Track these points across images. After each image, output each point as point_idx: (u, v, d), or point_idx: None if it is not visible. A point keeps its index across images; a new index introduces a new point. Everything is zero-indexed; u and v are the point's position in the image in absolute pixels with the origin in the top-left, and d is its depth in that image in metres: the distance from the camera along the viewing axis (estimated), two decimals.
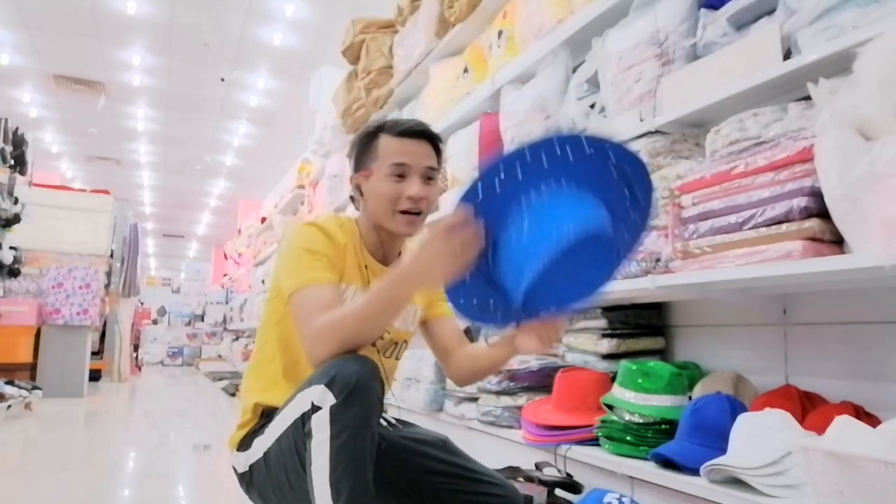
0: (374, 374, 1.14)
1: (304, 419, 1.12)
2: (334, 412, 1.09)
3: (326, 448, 1.09)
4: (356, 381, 1.10)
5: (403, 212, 1.33)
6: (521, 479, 1.71)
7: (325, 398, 1.10)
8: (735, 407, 1.44)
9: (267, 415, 1.31)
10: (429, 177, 1.35)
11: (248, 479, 1.33)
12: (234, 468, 1.36)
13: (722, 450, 1.34)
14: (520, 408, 2.05)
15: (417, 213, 1.34)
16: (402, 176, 1.32)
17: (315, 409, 1.11)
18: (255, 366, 1.40)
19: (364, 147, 1.37)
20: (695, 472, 1.35)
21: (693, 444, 1.44)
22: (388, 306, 1.16)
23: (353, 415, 1.10)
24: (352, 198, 1.48)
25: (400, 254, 1.50)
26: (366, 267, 1.39)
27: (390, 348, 1.46)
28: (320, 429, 1.09)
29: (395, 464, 1.35)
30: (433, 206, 1.38)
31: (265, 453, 1.25)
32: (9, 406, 4.41)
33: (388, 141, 1.33)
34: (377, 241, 1.42)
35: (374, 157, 1.34)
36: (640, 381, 1.64)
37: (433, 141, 1.38)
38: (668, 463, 1.45)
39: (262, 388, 1.36)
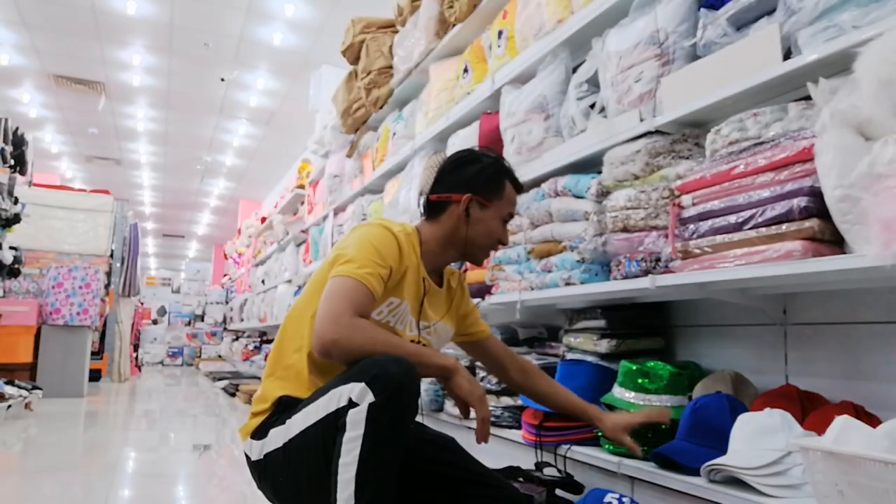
0: (415, 377, 1.16)
1: (339, 415, 1.13)
2: (372, 411, 1.10)
3: (358, 445, 1.09)
4: (398, 384, 1.12)
5: (492, 249, 1.52)
6: (521, 479, 1.71)
7: (365, 396, 1.11)
8: (735, 407, 1.44)
9: (286, 406, 1.30)
10: None
11: (261, 468, 1.32)
12: (246, 455, 1.36)
13: (722, 450, 1.34)
14: (520, 408, 2.06)
15: None
16: (505, 222, 1.51)
17: (352, 405, 1.11)
18: (280, 351, 1.38)
19: (492, 180, 1.49)
20: (694, 471, 1.35)
21: (693, 443, 1.44)
22: (417, 364, 1.23)
23: (391, 416, 1.11)
24: (435, 206, 1.50)
25: (442, 277, 1.56)
26: (424, 280, 1.44)
27: None
28: (355, 425, 1.10)
29: (402, 464, 1.35)
30: None
31: (286, 444, 1.25)
32: (9, 406, 4.41)
33: (511, 190, 1.52)
34: (441, 256, 1.50)
35: (497, 195, 1.49)
36: (640, 381, 1.64)
37: None
38: (668, 463, 1.45)
39: (285, 376, 1.35)
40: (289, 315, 1.42)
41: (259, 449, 1.31)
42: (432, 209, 1.49)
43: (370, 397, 1.10)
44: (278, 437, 1.27)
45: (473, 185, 1.47)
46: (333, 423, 1.13)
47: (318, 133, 5.21)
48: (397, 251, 1.35)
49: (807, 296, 1.63)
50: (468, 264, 2.65)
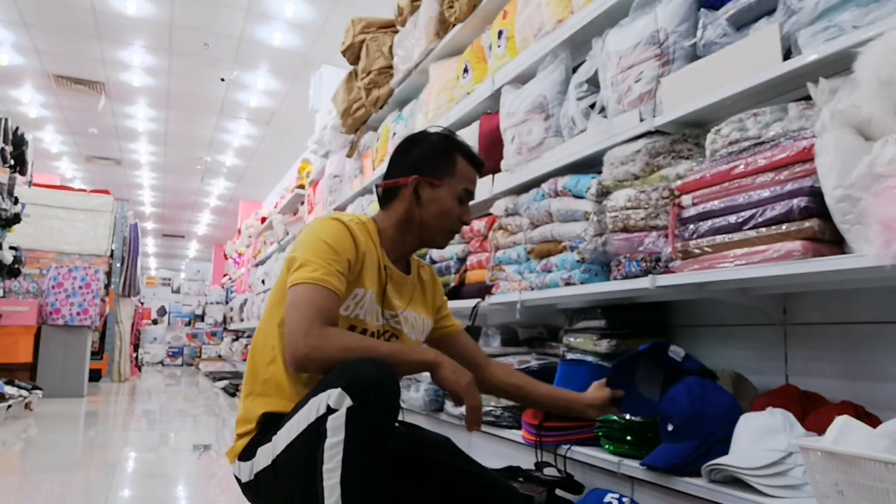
0: (392, 378, 1.14)
1: (319, 422, 1.11)
2: (351, 415, 1.09)
3: (340, 450, 1.08)
4: (375, 385, 1.11)
5: (453, 231, 1.46)
6: (521, 479, 1.71)
7: (342, 401, 1.09)
8: (692, 387, 1.44)
9: (270, 422, 1.29)
10: None
11: (253, 489, 1.30)
12: (236, 478, 1.34)
13: (698, 438, 1.37)
14: (520, 408, 2.05)
15: (457, 233, 1.49)
16: (463, 201, 1.44)
17: (331, 410, 1.10)
18: (255, 368, 1.37)
19: (439, 157, 1.43)
20: (695, 471, 1.36)
21: (672, 443, 1.44)
22: (395, 363, 1.21)
23: (371, 418, 1.10)
24: (384, 193, 1.47)
25: (409, 265, 1.52)
26: (385, 268, 1.40)
27: None
28: (336, 431, 1.09)
29: (398, 468, 1.34)
30: None
31: (274, 461, 1.23)
32: (9, 406, 4.41)
33: (465, 166, 1.44)
34: (401, 242, 1.45)
35: (449, 172, 1.42)
36: None
37: None
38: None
39: (264, 392, 1.33)
40: (256, 331, 1.40)
41: (249, 470, 1.29)
42: (384, 197, 1.47)
43: (348, 401, 1.09)
44: (266, 455, 1.24)
45: (420, 165, 1.42)
46: (315, 432, 1.12)
47: (318, 133, 5.21)
48: (351, 241, 1.32)
49: (807, 296, 1.63)
50: (468, 264, 2.65)
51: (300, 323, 1.19)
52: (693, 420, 1.39)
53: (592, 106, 2.00)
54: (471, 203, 1.50)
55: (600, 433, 1.68)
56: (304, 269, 1.25)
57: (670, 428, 1.44)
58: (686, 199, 1.50)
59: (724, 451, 1.32)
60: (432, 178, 1.41)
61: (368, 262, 1.36)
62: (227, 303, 12.73)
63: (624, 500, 1.49)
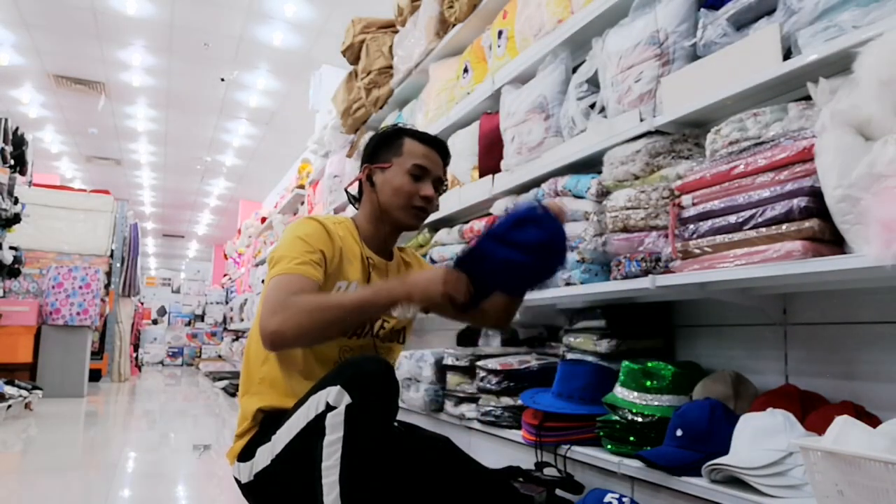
0: (391, 376, 1.15)
1: (318, 420, 1.12)
2: (350, 412, 1.09)
3: (339, 448, 1.09)
4: (374, 383, 1.12)
5: (415, 207, 1.45)
6: (521, 479, 1.71)
7: (342, 398, 1.10)
8: (717, 408, 1.45)
9: (268, 421, 1.29)
10: (438, 183, 1.49)
11: (253, 489, 1.30)
12: (236, 479, 1.34)
13: (703, 451, 1.37)
14: (520, 408, 2.05)
15: (425, 211, 1.48)
16: (419, 178, 1.45)
17: (330, 408, 1.11)
18: (249, 369, 1.39)
19: (384, 143, 1.49)
20: (693, 471, 1.36)
21: (674, 447, 1.45)
22: (367, 309, 1.22)
23: (370, 416, 1.11)
24: (353, 196, 1.55)
25: (391, 254, 1.55)
26: (368, 259, 1.45)
27: (393, 335, 1.52)
28: (335, 428, 1.10)
29: (397, 468, 1.34)
30: (435, 209, 1.52)
31: (273, 460, 1.23)
32: (9, 406, 4.41)
33: (412, 144, 1.47)
34: (376, 234, 1.50)
35: (396, 154, 1.46)
36: (643, 381, 1.64)
37: (445, 156, 1.53)
38: (652, 464, 1.46)
39: (259, 391, 1.34)
40: (249, 333, 1.43)
41: (248, 470, 1.29)
42: (357, 199, 1.57)
43: (347, 399, 1.10)
44: (265, 454, 1.25)
45: (371, 156, 1.51)
46: (315, 429, 1.13)
47: (318, 133, 5.21)
48: (325, 234, 1.37)
49: (807, 296, 1.63)
50: None
51: (268, 303, 1.21)
52: (706, 435, 1.40)
53: (592, 106, 2.00)
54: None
55: (602, 433, 1.68)
56: (279, 265, 1.29)
57: (679, 433, 1.45)
58: (686, 199, 1.50)
59: None
60: (381, 163, 1.48)
61: (349, 255, 1.41)
62: (227, 303, 12.72)
63: (624, 500, 1.49)
